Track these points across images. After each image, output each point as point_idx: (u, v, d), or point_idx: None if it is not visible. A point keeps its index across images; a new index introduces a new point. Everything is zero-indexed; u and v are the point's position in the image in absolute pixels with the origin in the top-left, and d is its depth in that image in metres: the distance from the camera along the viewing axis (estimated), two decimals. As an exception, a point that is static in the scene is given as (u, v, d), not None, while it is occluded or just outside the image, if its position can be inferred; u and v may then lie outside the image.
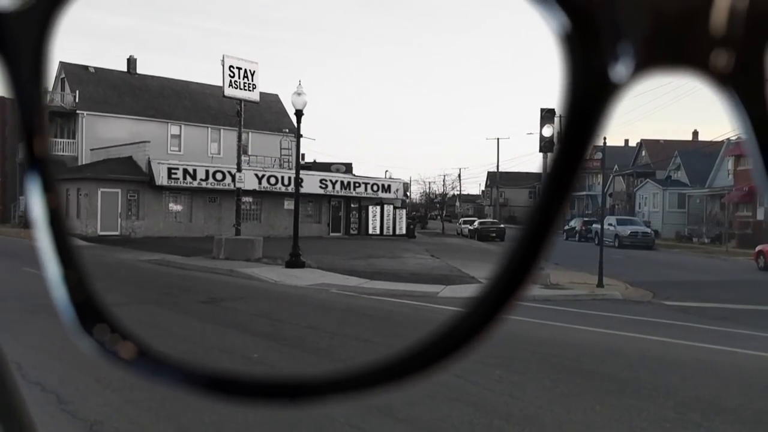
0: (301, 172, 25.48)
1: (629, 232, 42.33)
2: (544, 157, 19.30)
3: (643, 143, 65.97)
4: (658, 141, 63.77)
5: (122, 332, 0.34)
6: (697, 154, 53.28)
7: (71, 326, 0.34)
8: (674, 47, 0.31)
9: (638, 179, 61.09)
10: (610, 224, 41.33)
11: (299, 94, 21.03)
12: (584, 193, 69.18)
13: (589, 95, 0.31)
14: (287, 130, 42.82)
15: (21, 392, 0.78)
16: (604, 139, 19.79)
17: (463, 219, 63.44)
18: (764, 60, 0.31)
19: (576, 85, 0.31)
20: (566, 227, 52.89)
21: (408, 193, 52.58)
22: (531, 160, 79.66)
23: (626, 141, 73.43)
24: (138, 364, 0.34)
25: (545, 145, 15.20)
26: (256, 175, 37.54)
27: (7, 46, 0.33)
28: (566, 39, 0.31)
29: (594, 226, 42.81)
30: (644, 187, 58.91)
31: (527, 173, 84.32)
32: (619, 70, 0.31)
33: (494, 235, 48.22)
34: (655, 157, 60.71)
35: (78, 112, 40.65)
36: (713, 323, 12.50)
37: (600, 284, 17.59)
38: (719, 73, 0.31)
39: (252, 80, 29.51)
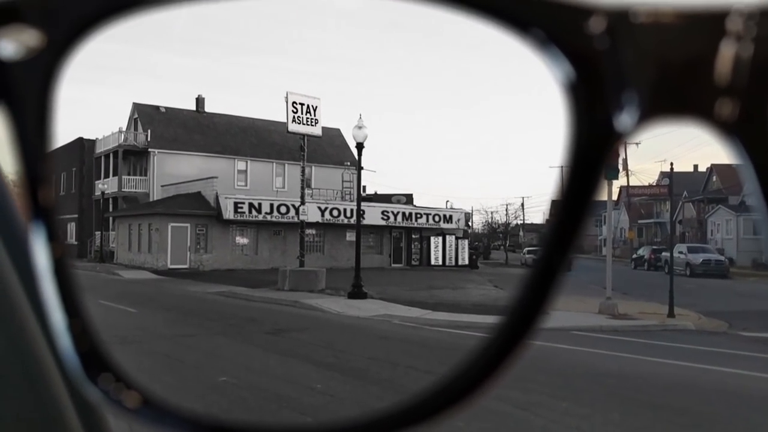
0: (363, 204, 25.68)
1: (701, 260, 40.78)
2: (609, 184, 18.90)
3: (714, 168, 63.78)
4: (729, 165, 61.33)
5: (127, 381, 0.34)
6: (772, 178, 50.99)
7: (76, 375, 0.34)
8: (679, 96, 0.32)
9: (709, 205, 59.01)
10: (680, 252, 39.95)
11: (360, 127, 21.32)
12: (652, 220, 67.22)
13: (593, 145, 0.32)
14: (349, 163, 43.37)
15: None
16: (671, 164, 19.32)
17: (527, 249, 62.46)
18: None
19: (580, 135, 0.32)
20: (634, 256, 51.43)
21: (470, 223, 52.23)
22: (596, 188, 77.75)
23: (695, 166, 71.18)
24: (142, 413, 0.34)
25: (609, 172, 14.90)
26: (319, 207, 38.08)
27: (11, 94, 0.33)
28: (570, 88, 0.32)
29: (663, 254, 41.45)
30: (716, 214, 56.80)
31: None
32: (624, 119, 0.32)
33: (560, 264, 47.09)
34: (727, 182, 58.54)
35: (150, 150, 42.29)
36: (796, 356, 11.86)
37: (671, 314, 16.96)
38: (724, 122, 0.31)
39: (314, 115, 30.09)
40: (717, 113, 0.31)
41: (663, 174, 63.09)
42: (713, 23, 0.31)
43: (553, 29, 0.32)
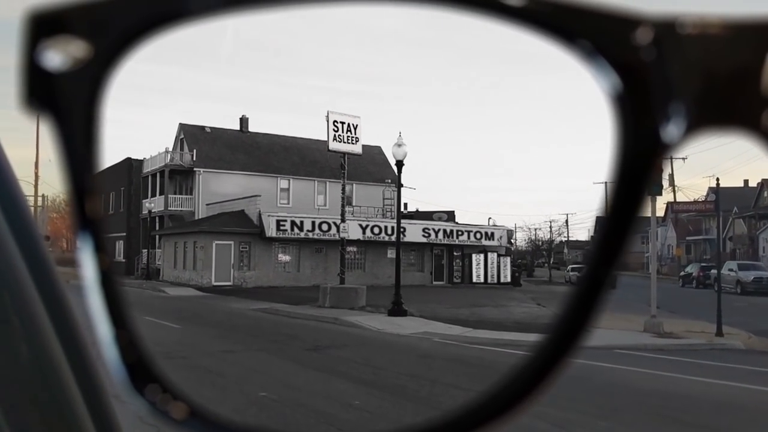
0: (404, 221, 25.67)
1: (753, 277, 39.55)
2: (653, 200, 18.52)
3: (765, 183, 61.95)
4: (781, 180, 59.69)
5: (174, 392, 0.35)
6: (826, 194, 49.44)
7: (123, 386, 0.34)
8: (726, 107, 0.32)
9: (761, 221, 57.29)
10: (731, 270, 38.84)
11: (399, 145, 21.38)
12: (701, 237, 65.54)
13: (640, 156, 0.32)
14: (389, 181, 43.42)
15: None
16: (717, 180, 18.81)
17: (571, 266, 61.47)
18: None
19: (627, 146, 0.32)
20: (682, 273, 50.16)
21: (512, 240, 51.71)
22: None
23: (746, 182, 69.19)
24: (189, 424, 0.34)
25: (653, 188, 14.61)
26: (360, 225, 38.17)
27: (58, 106, 0.33)
28: (618, 99, 0.33)
29: (712, 271, 40.21)
30: (768, 230, 55.16)
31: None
32: (671, 130, 0.32)
33: (604, 282, 46.16)
34: (778, 198, 56.88)
35: (195, 169, 43.07)
36: None
37: (719, 333, 16.44)
38: (771, 133, 0.31)
39: (355, 134, 30.26)
40: (764, 124, 0.31)
41: (711, 189, 61.56)
42: (760, 34, 0.32)
43: (600, 40, 0.32)
